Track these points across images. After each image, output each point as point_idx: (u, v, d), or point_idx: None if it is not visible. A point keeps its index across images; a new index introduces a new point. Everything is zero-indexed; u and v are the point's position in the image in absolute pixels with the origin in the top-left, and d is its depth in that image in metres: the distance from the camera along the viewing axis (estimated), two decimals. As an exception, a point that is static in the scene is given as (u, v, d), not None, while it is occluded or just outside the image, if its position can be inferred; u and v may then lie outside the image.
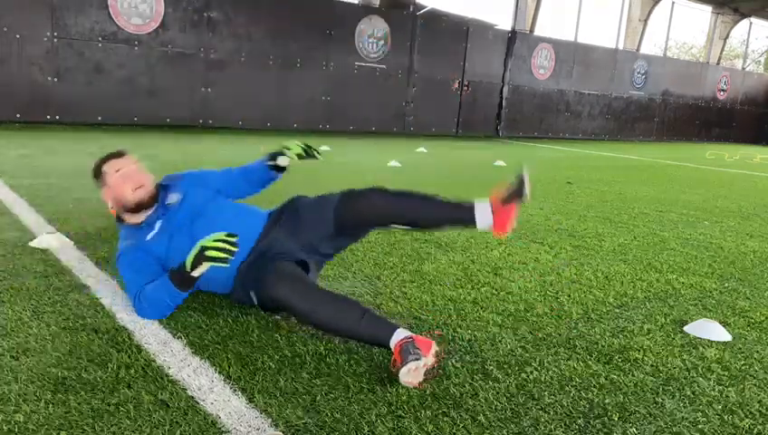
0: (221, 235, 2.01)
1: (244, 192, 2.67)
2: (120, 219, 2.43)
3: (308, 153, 2.61)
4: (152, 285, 2.16)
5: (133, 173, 2.33)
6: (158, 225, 2.33)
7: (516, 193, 2.23)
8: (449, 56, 15.00)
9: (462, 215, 2.27)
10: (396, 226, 2.33)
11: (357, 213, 2.31)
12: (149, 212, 2.37)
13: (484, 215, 2.23)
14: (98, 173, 2.36)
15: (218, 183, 2.58)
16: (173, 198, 2.41)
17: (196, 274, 2.06)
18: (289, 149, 2.58)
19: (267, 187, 2.71)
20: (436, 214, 2.32)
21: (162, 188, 2.43)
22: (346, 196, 2.33)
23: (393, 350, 1.84)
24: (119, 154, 2.38)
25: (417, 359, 1.77)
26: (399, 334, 1.87)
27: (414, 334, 1.88)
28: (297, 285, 2.01)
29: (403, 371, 1.76)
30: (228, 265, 2.04)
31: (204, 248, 2.00)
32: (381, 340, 1.90)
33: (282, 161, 2.59)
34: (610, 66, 18.57)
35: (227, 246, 1.99)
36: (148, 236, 2.31)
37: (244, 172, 2.64)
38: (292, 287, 1.99)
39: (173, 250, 2.27)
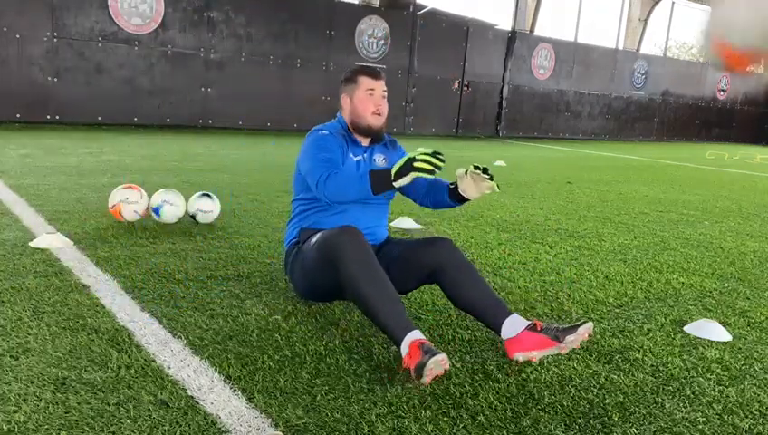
0: (429, 149, 1.99)
1: (418, 198, 2.48)
2: (344, 123, 2.47)
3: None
4: (347, 175, 2.19)
5: (381, 100, 2.40)
6: (357, 159, 2.40)
7: (559, 336, 1.94)
8: (449, 56, 15.00)
9: (495, 312, 2.07)
10: (441, 284, 2.20)
11: (423, 252, 2.24)
12: (366, 142, 2.46)
13: (512, 326, 2.01)
14: (352, 79, 2.40)
15: None
16: (381, 159, 2.47)
17: (397, 184, 2.05)
18: (490, 178, 2.13)
19: (438, 209, 2.49)
20: (477, 297, 2.12)
21: (381, 139, 2.49)
22: (425, 238, 2.35)
23: (409, 344, 1.84)
24: (379, 75, 2.42)
25: (442, 357, 1.77)
26: (420, 334, 1.87)
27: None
28: (358, 242, 2.05)
29: (436, 358, 1.75)
30: (432, 178, 2.02)
31: (412, 160, 1.98)
32: (397, 329, 1.89)
33: (485, 188, 2.17)
34: (610, 66, 18.57)
35: (436, 161, 1.96)
36: (351, 154, 2.39)
37: (431, 183, 2.43)
38: (352, 238, 2.05)
39: None
